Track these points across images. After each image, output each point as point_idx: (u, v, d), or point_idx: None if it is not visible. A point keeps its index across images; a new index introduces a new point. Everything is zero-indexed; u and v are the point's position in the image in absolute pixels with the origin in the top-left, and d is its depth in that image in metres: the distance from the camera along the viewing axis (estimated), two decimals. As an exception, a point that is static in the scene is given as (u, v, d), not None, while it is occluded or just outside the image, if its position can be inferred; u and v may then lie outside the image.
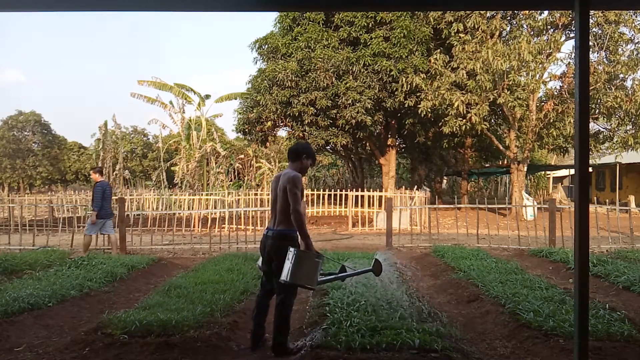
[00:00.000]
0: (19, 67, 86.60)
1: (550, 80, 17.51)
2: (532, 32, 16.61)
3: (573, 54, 15.58)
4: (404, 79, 16.69)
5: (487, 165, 26.47)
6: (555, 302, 5.00)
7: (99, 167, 9.62)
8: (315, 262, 3.79)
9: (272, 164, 27.27)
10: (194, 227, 13.37)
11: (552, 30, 16.70)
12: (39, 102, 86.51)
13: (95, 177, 9.16)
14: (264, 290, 4.28)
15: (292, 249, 3.80)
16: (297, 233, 4.02)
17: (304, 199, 4.41)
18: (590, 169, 23.99)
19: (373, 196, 16.64)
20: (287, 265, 3.75)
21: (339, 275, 4.21)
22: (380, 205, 16.10)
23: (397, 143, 22.59)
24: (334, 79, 17.56)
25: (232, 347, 4.19)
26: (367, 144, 21.96)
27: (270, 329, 4.14)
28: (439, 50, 17.18)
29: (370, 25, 18.07)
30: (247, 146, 28.56)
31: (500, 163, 25.23)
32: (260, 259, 4.28)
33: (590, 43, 11.67)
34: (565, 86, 16.66)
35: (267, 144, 24.11)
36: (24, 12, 23.33)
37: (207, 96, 26.83)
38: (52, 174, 39.53)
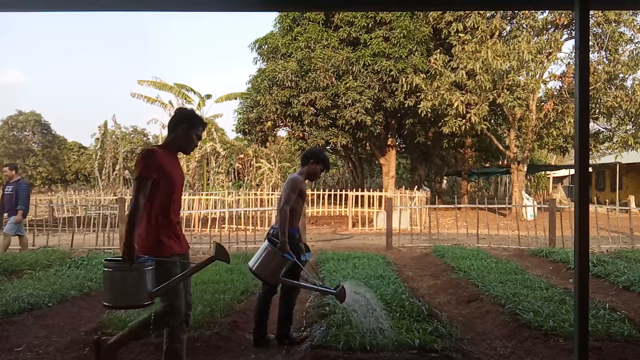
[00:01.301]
0: (19, 67, 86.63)
1: (550, 80, 17.52)
2: (532, 32, 16.61)
3: (573, 54, 15.59)
4: (403, 79, 16.69)
5: (487, 165, 26.47)
6: (555, 302, 5.00)
7: (15, 164, 9.21)
8: (282, 261, 3.95)
9: (272, 164, 27.24)
10: (194, 227, 13.36)
11: (552, 29, 16.71)
12: (39, 102, 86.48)
13: (12, 174, 8.61)
14: (265, 287, 4.36)
15: (267, 243, 4.00)
16: (297, 232, 4.24)
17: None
18: (590, 169, 23.99)
19: (373, 196, 16.63)
20: (258, 255, 3.98)
21: (302, 284, 4.26)
22: (380, 205, 16.09)
23: (397, 143, 22.59)
24: (334, 79, 17.56)
25: (232, 347, 4.19)
26: (367, 144, 21.96)
27: (272, 328, 4.34)
28: (438, 50, 17.19)
29: (370, 25, 18.07)
30: (247, 146, 28.54)
31: (500, 163, 25.24)
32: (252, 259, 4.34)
33: (590, 43, 11.67)
34: (565, 86, 16.66)
35: (267, 144, 24.10)
36: (24, 12, 23.31)
37: (208, 96, 26.84)
38: (52, 174, 39.47)
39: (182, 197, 17.88)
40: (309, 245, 4.57)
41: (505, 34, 17.99)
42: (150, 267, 2.98)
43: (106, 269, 3.00)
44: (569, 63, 17.11)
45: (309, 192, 20.83)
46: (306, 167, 4.36)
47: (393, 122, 20.38)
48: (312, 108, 17.89)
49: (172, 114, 3.44)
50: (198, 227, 13.38)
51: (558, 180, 34.78)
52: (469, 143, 22.22)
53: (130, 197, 3.08)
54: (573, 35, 16.78)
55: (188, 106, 26.35)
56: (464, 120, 16.14)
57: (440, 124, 17.18)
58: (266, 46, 19.81)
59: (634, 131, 16.78)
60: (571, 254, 7.21)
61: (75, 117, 75.18)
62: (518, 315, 4.62)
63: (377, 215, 15.53)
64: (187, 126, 3.27)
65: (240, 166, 28.90)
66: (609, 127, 17.87)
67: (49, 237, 10.76)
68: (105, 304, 3.08)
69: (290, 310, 4.30)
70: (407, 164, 30.54)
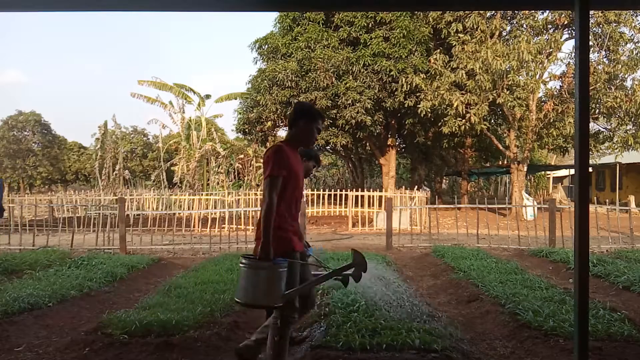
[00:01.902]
0: (19, 67, 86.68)
1: (550, 80, 17.52)
2: (532, 32, 16.61)
3: (573, 54, 15.59)
4: (403, 79, 16.69)
5: (487, 165, 26.46)
6: (555, 302, 5.00)
7: None
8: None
9: (272, 164, 27.19)
10: (194, 227, 13.36)
11: (552, 29, 16.71)
12: (39, 102, 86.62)
13: None
14: None
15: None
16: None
17: (304, 198, 4.63)
18: (590, 169, 23.99)
19: (373, 196, 16.63)
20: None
21: (317, 279, 4.15)
22: (380, 205, 16.09)
23: (397, 143, 22.59)
24: (334, 79, 17.56)
25: (232, 347, 4.19)
26: (367, 144, 21.96)
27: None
28: (438, 50, 17.19)
29: (370, 25, 18.07)
30: (247, 146, 28.55)
31: (500, 163, 25.25)
32: None
33: (590, 43, 11.67)
34: (565, 86, 16.66)
35: (267, 143, 24.08)
36: (24, 12, 23.33)
37: (207, 96, 26.83)
38: (52, 174, 39.50)
39: (183, 196, 17.79)
40: (309, 243, 4.61)
41: (505, 34, 17.99)
42: (284, 269, 2.99)
43: (244, 266, 3.00)
44: (569, 63, 17.11)
45: (309, 192, 20.83)
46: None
47: (393, 122, 20.38)
48: (312, 108, 17.86)
49: (291, 110, 3.46)
50: (198, 227, 13.39)
51: (558, 180, 34.77)
52: (469, 143, 22.22)
53: (263, 195, 3.04)
54: (573, 35, 16.77)
55: (188, 106, 26.39)
56: (463, 120, 16.14)
57: (440, 124, 17.18)
58: (266, 46, 19.81)
59: (634, 131, 16.78)
60: (571, 254, 7.21)
61: (75, 117, 75.33)
62: (518, 315, 4.62)
63: (377, 215, 15.52)
64: (307, 120, 3.29)
65: (240, 166, 28.93)
66: (609, 127, 17.86)
67: (49, 237, 10.75)
68: (237, 300, 3.07)
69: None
70: (407, 164, 30.54)
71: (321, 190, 20.68)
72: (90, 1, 3.28)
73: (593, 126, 18.04)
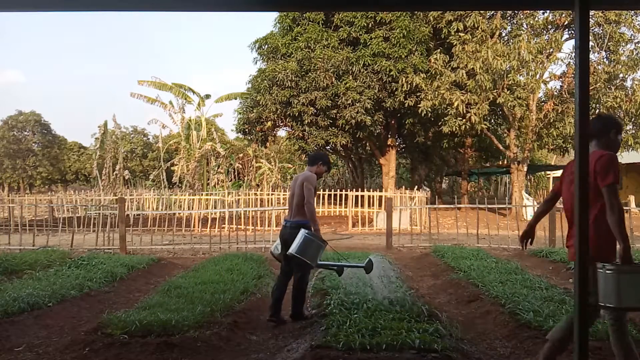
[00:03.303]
0: (19, 67, 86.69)
1: (551, 80, 17.53)
2: (532, 32, 16.62)
3: (573, 54, 15.59)
4: (403, 79, 16.70)
5: (487, 165, 26.44)
6: (555, 302, 5.00)
7: None
8: (319, 246, 4.68)
9: (272, 164, 27.23)
10: (194, 227, 13.36)
11: (552, 29, 16.72)
12: (39, 102, 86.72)
13: None
14: (283, 272, 5.02)
15: (303, 230, 4.67)
16: (310, 223, 4.85)
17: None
18: (590, 169, 23.90)
19: (373, 196, 16.62)
20: (297, 242, 4.63)
21: (337, 264, 5.16)
22: (380, 205, 16.08)
23: (397, 143, 22.58)
24: (333, 79, 17.56)
25: (232, 347, 4.19)
26: (367, 144, 21.96)
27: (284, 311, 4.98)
28: (438, 49, 17.20)
29: (370, 25, 18.08)
30: (247, 146, 28.55)
31: (500, 163, 25.21)
32: (274, 245, 5.22)
33: (590, 43, 11.67)
34: (565, 86, 16.66)
35: (267, 144, 24.11)
36: (24, 12, 23.36)
37: (207, 96, 26.81)
38: (52, 174, 39.50)
39: (183, 197, 17.74)
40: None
41: (505, 33, 17.99)
42: None
43: (610, 272, 2.95)
44: (569, 63, 17.12)
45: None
46: (315, 167, 4.99)
47: (393, 122, 20.38)
48: (312, 108, 17.88)
49: (596, 119, 3.46)
50: (198, 227, 13.38)
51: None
52: (469, 143, 22.21)
53: (611, 202, 3.05)
54: (573, 35, 16.78)
55: (188, 106, 26.39)
56: (464, 120, 16.14)
57: (440, 124, 17.18)
58: (266, 46, 19.81)
59: (634, 131, 16.78)
60: (571, 254, 7.19)
61: (75, 117, 75.37)
62: (518, 315, 4.62)
63: (377, 215, 15.51)
64: (617, 131, 3.37)
65: (240, 166, 28.91)
66: (609, 127, 17.86)
67: (49, 237, 10.75)
68: (613, 305, 2.99)
69: (303, 291, 4.91)
70: (407, 164, 30.54)
71: (321, 190, 20.68)
72: (91, 1, 3.27)
73: (593, 126, 18.02)
